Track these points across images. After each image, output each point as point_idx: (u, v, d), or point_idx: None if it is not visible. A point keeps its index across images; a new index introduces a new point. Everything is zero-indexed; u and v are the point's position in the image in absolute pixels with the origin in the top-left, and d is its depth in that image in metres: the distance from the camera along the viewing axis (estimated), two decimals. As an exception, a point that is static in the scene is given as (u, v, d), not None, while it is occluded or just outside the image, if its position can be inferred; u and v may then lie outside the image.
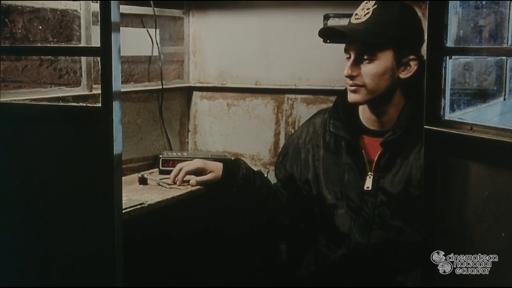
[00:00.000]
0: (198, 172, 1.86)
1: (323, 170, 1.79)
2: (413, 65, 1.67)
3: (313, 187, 1.81)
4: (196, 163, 1.87)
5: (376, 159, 1.71)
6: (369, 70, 1.67)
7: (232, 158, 2.09)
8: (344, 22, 2.02)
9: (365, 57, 1.67)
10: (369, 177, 1.72)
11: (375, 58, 1.66)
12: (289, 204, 1.90)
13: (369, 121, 1.77)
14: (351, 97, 1.71)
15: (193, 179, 1.86)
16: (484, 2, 1.63)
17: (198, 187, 1.86)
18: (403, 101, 1.71)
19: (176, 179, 1.87)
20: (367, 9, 1.69)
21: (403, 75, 1.68)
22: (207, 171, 1.85)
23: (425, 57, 1.60)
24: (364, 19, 1.67)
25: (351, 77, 1.68)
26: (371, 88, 1.67)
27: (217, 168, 1.85)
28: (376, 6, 1.68)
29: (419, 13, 1.80)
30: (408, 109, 1.68)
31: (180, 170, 1.88)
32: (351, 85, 1.69)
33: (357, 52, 1.68)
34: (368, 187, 1.71)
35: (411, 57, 1.67)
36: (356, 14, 1.70)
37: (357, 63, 1.68)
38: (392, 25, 1.66)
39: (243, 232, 2.06)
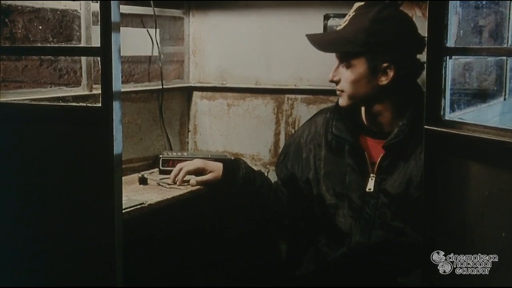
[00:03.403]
0: (198, 172, 1.86)
1: (325, 170, 1.79)
2: (390, 72, 1.67)
3: (313, 186, 1.81)
4: (196, 163, 1.87)
5: (378, 161, 1.71)
6: (346, 76, 1.70)
7: (232, 158, 2.09)
8: (344, 22, 2.02)
9: (343, 64, 1.71)
10: (371, 179, 1.72)
11: (350, 65, 1.69)
12: (289, 203, 1.90)
13: (368, 122, 1.77)
14: (339, 101, 1.77)
15: (193, 179, 1.85)
16: (484, 2, 1.63)
17: (198, 187, 1.86)
18: (397, 104, 1.71)
19: (176, 179, 1.87)
20: (348, 15, 1.73)
21: (381, 82, 1.68)
22: (207, 171, 1.85)
23: (410, 61, 1.65)
24: (342, 26, 1.72)
25: (334, 82, 1.74)
26: (349, 94, 1.71)
27: (217, 168, 1.85)
28: (354, 13, 1.70)
29: (419, 13, 1.80)
30: (411, 112, 1.68)
31: (180, 170, 1.88)
32: (336, 90, 1.75)
33: (338, 59, 1.73)
34: (370, 189, 1.71)
35: (385, 65, 1.66)
36: (344, 19, 1.73)
37: (339, 69, 1.73)
38: (362, 33, 1.66)
39: (243, 232, 2.06)
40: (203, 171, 1.86)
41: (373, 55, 1.66)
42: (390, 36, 1.66)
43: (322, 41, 1.76)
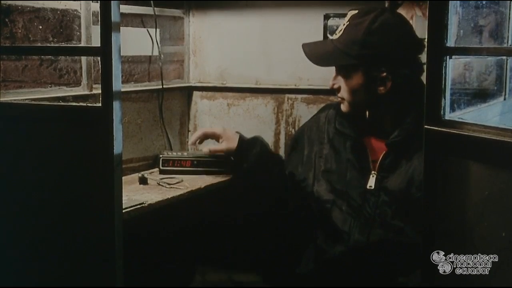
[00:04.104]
0: (215, 137, 1.94)
1: (325, 167, 1.79)
2: (388, 82, 1.67)
3: (314, 183, 1.81)
4: (215, 128, 1.97)
5: (380, 158, 1.71)
6: (344, 86, 1.72)
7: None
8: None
9: (341, 74, 1.72)
10: (373, 176, 1.72)
11: (347, 75, 1.70)
12: (292, 193, 1.90)
13: (372, 122, 1.77)
14: (341, 107, 1.78)
15: (206, 147, 1.95)
16: (484, 2, 1.62)
17: (198, 187, 1.87)
18: (400, 106, 1.71)
19: (193, 138, 1.96)
20: (343, 25, 1.72)
21: (380, 91, 1.68)
22: (222, 139, 1.91)
23: (409, 66, 1.66)
24: (337, 36, 1.73)
25: (334, 90, 1.75)
26: (349, 102, 1.73)
27: (233, 139, 1.90)
28: (348, 23, 1.70)
29: (419, 13, 1.79)
30: (416, 111, 1.67)
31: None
32: (338, 97, 1.76)
33: (335, 68, 1.74)
34: (371, 186, 1.71)
35: (383, 75, 1.67)
36: (339, 28, 1.73)
37: (338, 76, 1.74)
38: (356, 45, 1.66)
39: (243, 231, 2.06)
40: (219, 137, 1.93)
41: (369, 66, 1.67)
42: (385, 47, 1.66)
43: (316, 54, 1.76)
